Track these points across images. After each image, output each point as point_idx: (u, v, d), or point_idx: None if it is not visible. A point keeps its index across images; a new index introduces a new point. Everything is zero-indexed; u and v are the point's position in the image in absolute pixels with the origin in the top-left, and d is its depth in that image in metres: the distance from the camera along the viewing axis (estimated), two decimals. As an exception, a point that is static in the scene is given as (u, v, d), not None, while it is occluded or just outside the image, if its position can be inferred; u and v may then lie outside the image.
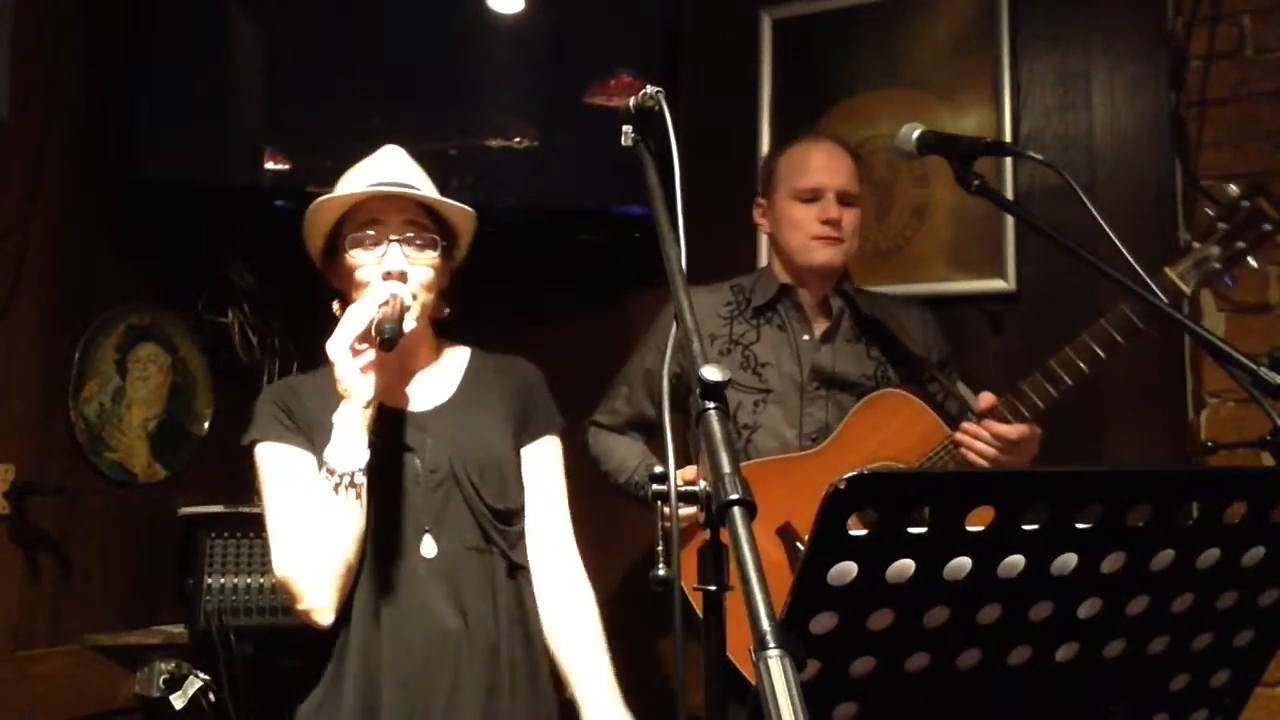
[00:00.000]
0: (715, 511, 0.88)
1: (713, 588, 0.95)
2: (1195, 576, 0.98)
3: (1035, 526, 0.88)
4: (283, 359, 2.97)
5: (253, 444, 1.68)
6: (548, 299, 2.96)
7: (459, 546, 1.65)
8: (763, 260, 2.75)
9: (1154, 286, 1.51)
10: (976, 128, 2.67)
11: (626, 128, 1.39)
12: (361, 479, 1.55)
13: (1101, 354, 1.84)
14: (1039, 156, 1.68)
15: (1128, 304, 1.81)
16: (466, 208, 1.72)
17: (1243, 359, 1.36)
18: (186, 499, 2.68)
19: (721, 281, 2.27)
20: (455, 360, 1.82)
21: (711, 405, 0.94)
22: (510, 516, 1.72)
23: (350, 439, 1.55)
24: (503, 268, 2.76)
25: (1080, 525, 0.89)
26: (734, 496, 0.86)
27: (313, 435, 1.65)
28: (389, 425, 1.67)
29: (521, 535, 1.74)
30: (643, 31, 2.79)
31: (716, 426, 0.92)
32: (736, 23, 2.98)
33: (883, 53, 2.83)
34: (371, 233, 1.65)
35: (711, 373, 0.95)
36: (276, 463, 1.65)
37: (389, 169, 1.73)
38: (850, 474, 0.80)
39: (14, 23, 2.44)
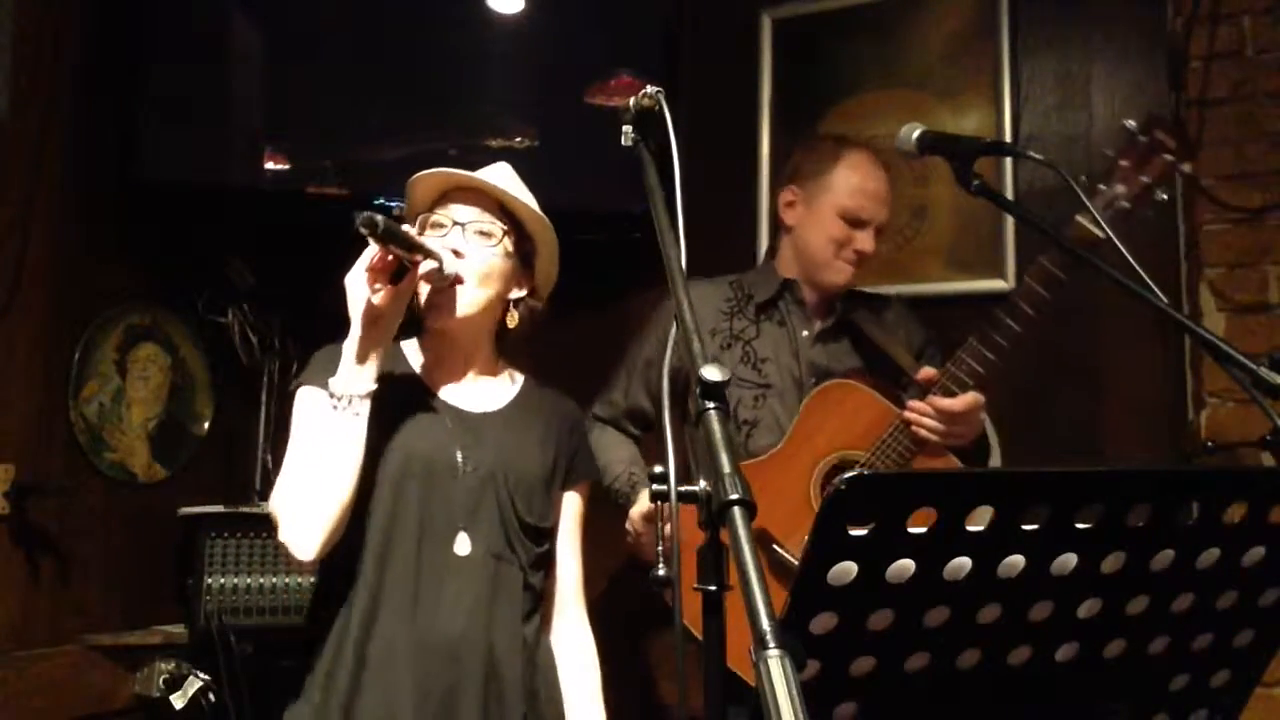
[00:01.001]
0: (715, 511, 0.88)
1: (713, 587, 0.95)
2: (1195, 576, 0.98)
3: (1035, 526, 0.88)
4: (283, 359, 2.97)
5: (297, 387, 1.65)
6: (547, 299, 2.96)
7: (485, 550, 1.63)
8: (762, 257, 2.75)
9: (1152, 285, 1.51)
10: (976, 128, 2.67)
11: (627, 128, 1.39)
12: (361, 406, 1.53)
13: (1031, 312, 1.83)
14: (1039, 156, 1.68)
15: (1048, 256, 1.81)
16: (537, 210, 1.73)
17: (1243, 359, 1.36)
18: (186, 499, 2.68)
19: (721, 276, 2.26)
20: (512, 379, 1.83)
21: (712, 405, 0.94)
22: (536, 534, 1.70)
23: (351, 363, 1.53)
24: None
25: (1080, 525, 0.89)
26: (734, 496, 0.86)
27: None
28: (441, 417, 1.67)
29: (543, 559, 1.72)
30: (642, 31, 2.79)
31: (717, 426, 0.93)
32: (736, 23, 2.98)
33: (883, 53, 2.83)
34: (440, 218, 1.68)
35: (711, 373, 0.96)
36: (311, 402, 1.62)
37: (485, 172, 1.75)
38: (850, 475, 0.80)
39: (14, 24, 2.44)
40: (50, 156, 2.52)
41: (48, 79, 2.53)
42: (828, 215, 2.12)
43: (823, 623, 0.86)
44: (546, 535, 1.72)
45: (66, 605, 2.52)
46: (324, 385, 1.58)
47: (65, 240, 2.55)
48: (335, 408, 1.52)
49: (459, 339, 1.73)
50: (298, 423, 1.62)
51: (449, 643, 1.57)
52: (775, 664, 0.73)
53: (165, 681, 2.49)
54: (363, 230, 1.42)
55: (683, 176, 1.25)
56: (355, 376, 1.53)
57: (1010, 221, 2.61)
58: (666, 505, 0.97)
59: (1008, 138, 2.63)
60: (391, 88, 2.71)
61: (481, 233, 1.67)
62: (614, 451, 2.20)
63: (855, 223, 2.10)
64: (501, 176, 1.75)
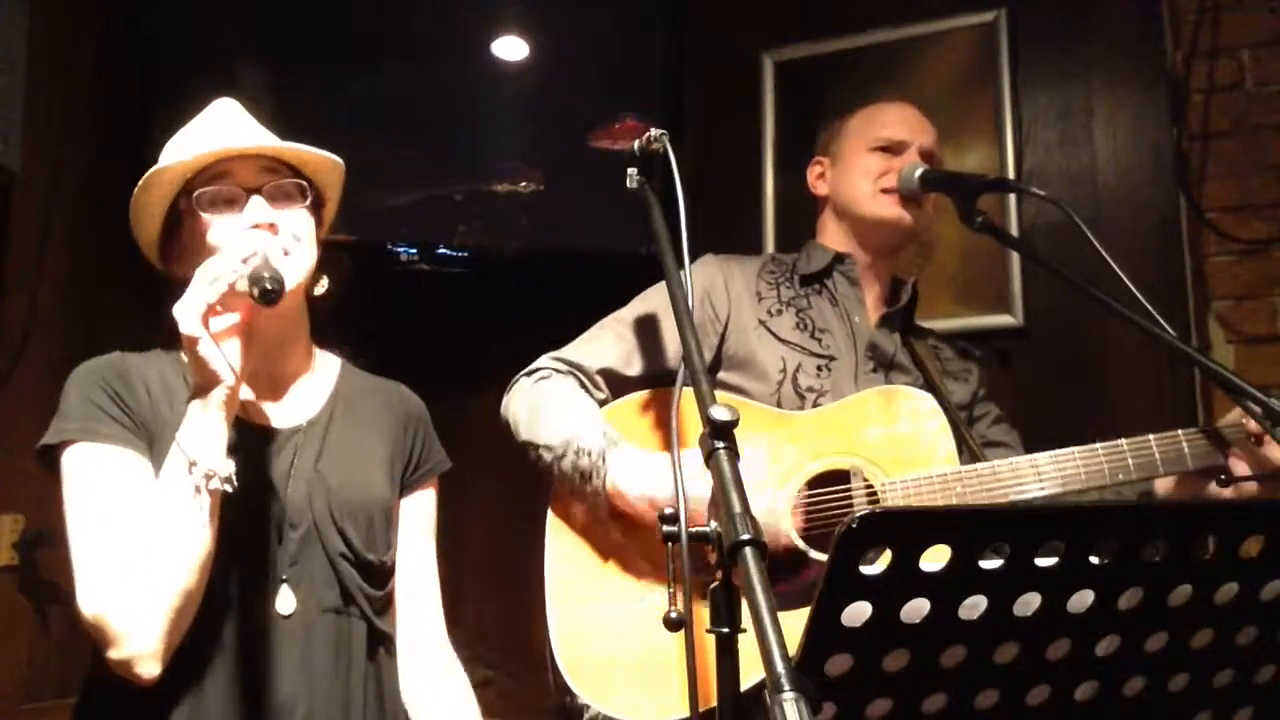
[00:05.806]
0: (727, 551, 0.87)
1: (725, 629, 0.94)
2: (1214, 612, 0.97)
3: (1051, 562, 0.87)
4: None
5: (62, 446, 1.30)
6: (551, 341, 2.96)
7: (315, 606, 1.33)
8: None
9: (1159, 319, 1.51)
10: (979, 166, 2.68)
11: (632, 170, 1.40)
12: (222, 486, 1.22)
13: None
14: (1042, 192, 1.68)
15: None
16: (331, 155, 1.45)
17: (1255, 391, 1.35)
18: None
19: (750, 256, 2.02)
20: (325, 369, 1.51)
21: (721, 445, 0.94)
22: (380, 573, 1.41)
23: (215, 433, 1.22)
24: (506, 309, 2.76)
25: (1096, 561, 0.88)
26: (746, 536, 0.85)
27: (156, 433, 1.31)
28: (245, 444, 1.33)
29: (390, 600, 1.44)
30: (646, 77, 2.82)
31: (727, 467, 0.92)
32: (738, 66, 3.01)
33: (883, 93, 2.85)
34: (223, 187, 1.35)
35: (720, 413, 0.95)
36: (98, 467, 1.28)
37: (232, 128, 1.43)
38: (863, 511, 0.79)
39: (27, 81, 2.48)
40: (60, 208, 2.55)
41: (58, 132, 2.57)
42: (857, 154, 1.92)
43: (838, 664, 0.85)
44: (394, 570, 1.46)
45: (76, 657, 2.50)
46: (105, 440, 1.29)
47: (75, 291, 2.57)
48: (199, 488, 1.20)
49: (270, 327, 1.37)
50: (87, 494, 1.28)
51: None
52: (790, 708, 0.73)
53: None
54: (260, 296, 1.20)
55: (688, 218, 1.26)
56: (220, 446, 1.23)
57: (1016, 257, 2.61)
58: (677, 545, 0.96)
59: (1010, 175, 2.64)
60: (397, 136, 2.74)
61: (282, 195, 1.38)
62: (581, 417, 1.71)
63: (890, 147, 1.89)
64: (240, 120, 1.44)
